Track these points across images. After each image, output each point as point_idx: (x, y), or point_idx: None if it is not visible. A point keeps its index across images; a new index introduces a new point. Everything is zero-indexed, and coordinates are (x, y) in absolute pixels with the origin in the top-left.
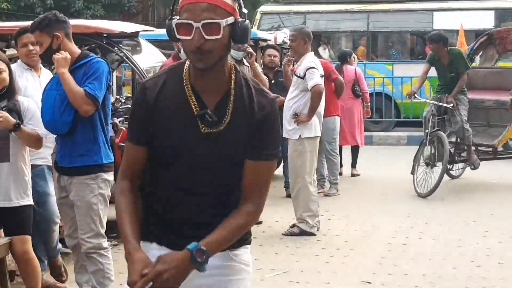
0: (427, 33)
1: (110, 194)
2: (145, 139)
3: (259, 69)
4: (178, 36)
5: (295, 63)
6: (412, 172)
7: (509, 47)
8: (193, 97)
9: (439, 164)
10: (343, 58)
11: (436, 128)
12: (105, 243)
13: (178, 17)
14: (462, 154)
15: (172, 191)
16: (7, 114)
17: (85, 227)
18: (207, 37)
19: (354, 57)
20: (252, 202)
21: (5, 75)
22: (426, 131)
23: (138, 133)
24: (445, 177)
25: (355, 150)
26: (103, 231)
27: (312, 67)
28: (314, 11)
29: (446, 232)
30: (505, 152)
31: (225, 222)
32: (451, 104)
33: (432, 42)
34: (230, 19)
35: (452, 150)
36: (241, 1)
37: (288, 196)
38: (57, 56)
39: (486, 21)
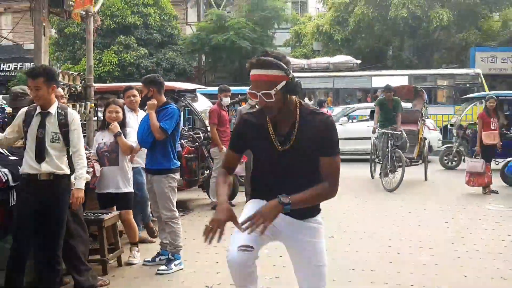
0: (368, 89)
1: (176, 185)
2: (238, 148)
3: None
4: (251, 99)
5: None
6: (381, 177)
7: (404, 96)
8: (271, 128)
9: (395, 169)
10: (320, 104)
11: (394, 147)
12: (176, 214)
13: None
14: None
15: (264, 183)
16: (117, 124)
17: (162, 206)
18: (266, 100)
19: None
20: (328, 182)
21: (120, 114)
22: (387, 149)
23: (234, 144)
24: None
25: None
26: (174, 207)
27: None
28: (302, 76)
29: (383, 214)
30: (415, 161)
31: (307, 190)
32: (400, 132)
33: (389, 91)
34: (282, 84)
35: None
36: (290, 70)
37: None
38: (149, 102)
39: (403, 82)
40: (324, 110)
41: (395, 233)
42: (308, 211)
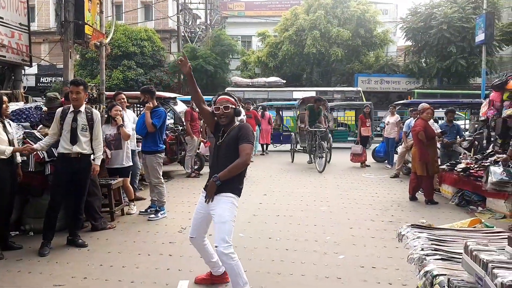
0: (292, 99)
1: (162, 161)
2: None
3: None
4: (214, 111)
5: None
6: (310, 162)
7: (313, 103)
8: (221, 130)
9: (323, 155)
10: (264, 108)
11: (319, 140)
12: (161, 180)
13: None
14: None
15: (213, 162)
16: (120, 118)
17: (152, 175)
18: (225, 111)
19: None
20: (240, 157)
21: (121, 112)
22: (315, 142)
23: (213, 114)
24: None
25: (267, 144)
26: (160, 176)
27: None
28: (248, 90)
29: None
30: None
31: (229, 166)
32: (325, 128)
33: (317, 101)
34: (233, 107)
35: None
36: (237, 103)
37: None
38: (147, 105)
39: (312, 95)
40: (267, 112)
41: (305, 192)
42: (219, 190)
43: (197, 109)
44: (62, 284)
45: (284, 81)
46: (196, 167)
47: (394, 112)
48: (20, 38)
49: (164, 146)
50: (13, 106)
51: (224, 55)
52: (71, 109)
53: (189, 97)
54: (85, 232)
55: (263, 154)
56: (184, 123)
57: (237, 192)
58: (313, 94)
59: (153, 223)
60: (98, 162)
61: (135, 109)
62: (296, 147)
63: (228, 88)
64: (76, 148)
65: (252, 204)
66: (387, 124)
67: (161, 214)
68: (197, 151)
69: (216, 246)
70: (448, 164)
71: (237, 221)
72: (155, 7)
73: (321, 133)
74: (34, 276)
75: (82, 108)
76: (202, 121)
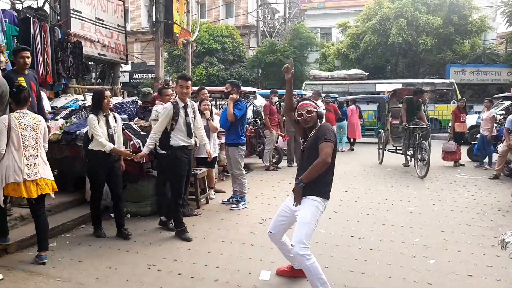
0: (374, 92)
1: (244, 153)
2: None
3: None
4: (297, 118)
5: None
6: (406, 165)
7: (402, 97)
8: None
9: (425, 158)
10: (354, 102)
11: (420, 140)
12: (243, 172)
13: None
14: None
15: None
16: (209, 112)
17: (234, 167)
18: (308, 115)
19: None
20: (320, 157)
21: (210, 107)
22: (416, 142)
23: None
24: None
25: (354, 140)
26: (242, 168)
27: (319, 105)
28: (327, 84)
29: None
30: None
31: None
32: (427, 125)
33: (416, 94)
34: (315, 111)
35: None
36: (318, 106)
37: None
38: (231, 96)
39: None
40: (353, 107)
41: (390, 190)
42: (305, 192)
43: (274, 103)
44: (155, 264)
45: (367, 73)
46: (274, 160)
47: (490, 106)
48: (118, 38)
49: (245, 139)
50: (113, 101)
51: (302, 48)
52: (181, 104)
53: (268, 91)
54: None
55: (352, 150)
56: (263, 117)
57: (323, 195)
58: (399, 86)
59: (234, 213)
60: (209, 146)
61: (217, 103)
62: (386, 146)
63: (306, 82)
64: (193, 141)
65: (332, 200)
66: (482, 120)
67: (242, 205)
68: (275, 144)
69: (292, 245)
70: None
71: None
72: (235, 3)
73: (421, 131)
74: (131, 255)
75: (189, 103)
76: (281, 115)
